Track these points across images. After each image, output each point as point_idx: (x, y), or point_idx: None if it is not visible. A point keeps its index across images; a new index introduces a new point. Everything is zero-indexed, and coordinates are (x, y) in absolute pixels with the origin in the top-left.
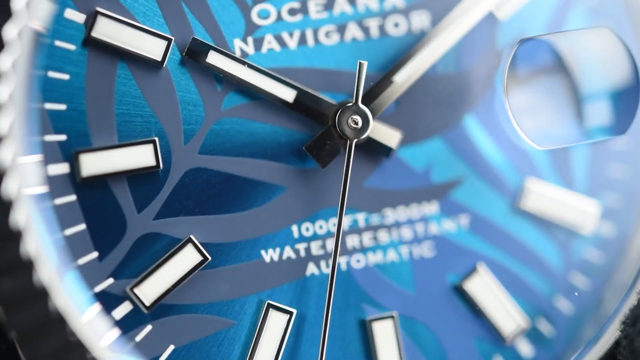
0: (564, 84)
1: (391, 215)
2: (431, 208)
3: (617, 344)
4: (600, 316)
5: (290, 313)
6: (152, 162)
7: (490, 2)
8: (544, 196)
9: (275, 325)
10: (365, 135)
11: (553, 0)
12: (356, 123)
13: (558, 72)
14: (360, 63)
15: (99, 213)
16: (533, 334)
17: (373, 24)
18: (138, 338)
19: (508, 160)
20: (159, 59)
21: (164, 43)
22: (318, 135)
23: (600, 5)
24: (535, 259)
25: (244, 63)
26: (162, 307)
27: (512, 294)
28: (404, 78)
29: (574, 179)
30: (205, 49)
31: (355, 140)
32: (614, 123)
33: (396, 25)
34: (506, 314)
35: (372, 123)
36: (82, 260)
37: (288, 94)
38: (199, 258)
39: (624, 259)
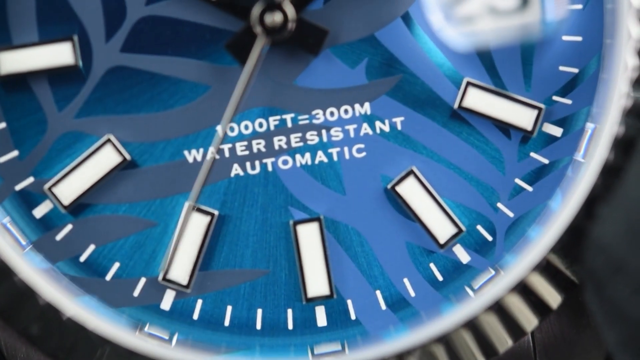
0: None
1: (321, 115)
2: (364, 108)
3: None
4: (544, 219)
5: (212, 214)
6: (71, 61)
7: None
8: (484, 96)
9: (197, 226)
10: (286, 32)
11: None
12: (275, 19)
13: None
14: None
15: (19, 111)
16: (471, 240)
17: None
18: (58, 237)
19: (446, 59)
20: None
21: None
22: (238, 32)
23: None
24: (475, 161)
25: None
26: (82, 207)
27: (449, 198)
28: None
29: (517, 78)
30: None
31: (273, 36)
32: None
33: None
34: (441, 218)
35: (295, 19)
36: (3, 159)
37: None
38: (119, 158)
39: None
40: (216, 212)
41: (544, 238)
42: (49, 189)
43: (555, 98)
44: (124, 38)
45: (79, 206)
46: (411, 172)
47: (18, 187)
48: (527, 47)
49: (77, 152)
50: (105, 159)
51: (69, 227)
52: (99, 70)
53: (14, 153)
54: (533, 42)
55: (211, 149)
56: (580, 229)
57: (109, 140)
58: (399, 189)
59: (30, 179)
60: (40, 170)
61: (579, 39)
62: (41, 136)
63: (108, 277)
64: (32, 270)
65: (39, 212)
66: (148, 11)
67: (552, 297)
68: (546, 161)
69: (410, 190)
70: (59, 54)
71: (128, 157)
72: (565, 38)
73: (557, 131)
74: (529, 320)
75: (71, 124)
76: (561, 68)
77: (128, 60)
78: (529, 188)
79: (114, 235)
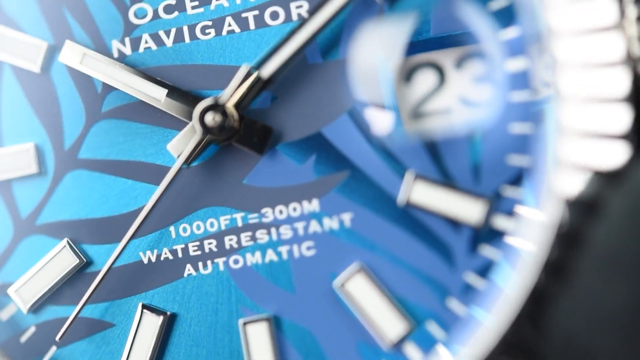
0: None
1: (270, 214)
2: (312, 206)
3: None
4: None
5: (164, 314)
6: (32, 168)
7: None
8: (432, 190)
9: (150, 326)
10: (229, 132)
11: None
12: (215, 119)
13: None
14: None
15: None
16: (422, 337)
17: (250, 16)
18: (23, 339)
19: (393, 154)
20: (38, 63)
21: (42, 48)
22: (181, 133)
23: None
24: (424, 256)
25: (116, 64)
26: (43, 309)
27: (399, 295)
28: (269, 71)
29: (464, 170)
30: (79, 52)
31: (216, 135)
32: None
33: (274, 15)
34: (391, 316)
35: (238, 119)
36: None
37: (159, 93)
38: (77, 260)
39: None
40: (168, 312)
41: (496, 330)
42: (12, 292)
43: (503, 190)
44: (81, 143)
45: (41, 308)
46: (360, 270)
47: None
48: (475, 139)
49: (39, 255)
50: (63, 261)
51: (32, 329)
52: (59, 175)
53: None
54: (481, 133)
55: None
56: (534, 320)
57: (67, 244)
58: (348, 286)
59: None
60: (4, 274)
61: (528, 129)
62: (6, 241)
63: None
64: None
65: (5, 314)
66: (104, 116)
67: None
68: (496, 255)
69: (360, 288)
70: (22, 161)
71: (85, 259)
72: (513, 128)
73: (506, 224)
74: None
75: (34, 229)
76: (510, 159)
77: (85, 164)
78: (480, 282)
79: (74, 336)
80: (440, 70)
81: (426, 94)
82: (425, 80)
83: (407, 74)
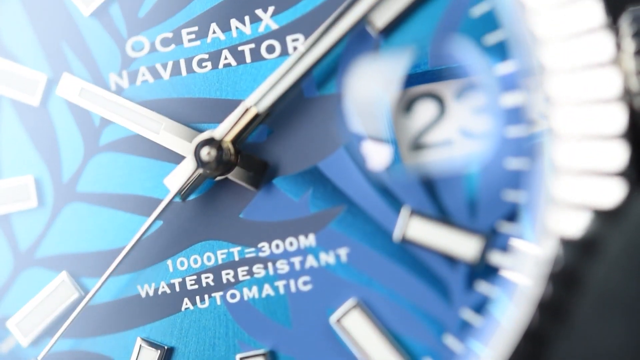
0: None
1: (267, 248)
2: (308, 240)
3: None
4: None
5: (162, 348)
6: (31, 201)
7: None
8: (428, 226)
9: None
10: (226, 166)
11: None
12: (210, 153)
13: None
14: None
15: None
16: None
17: (246, 49)
18: None
19: (389, 189)
20: (37, 97)
21: (40, 81)
22: (177, 168)
23: None
24: (420, 292)
25: (113, 98)
26: (42, 342)
27: (395, 330)
28: (266, 105)
29: (460, 206)
30: (77, 85)
31: (212, 170)
32: None
33: (270, 49)
34: (388, 352)
35: (234, 154)
36: None
37: (156, 127)
38: (75, 293)
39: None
40: (165, 347)
41: None
42: (11, 324)
43: (499, 226)
44: (79, 176)
45: (41, 341)
46: (356, 305)
47: None
48: (471, 174)
49: (38, 288)
50: (62, 295)
51: None
52: (58, 208)
53: None
54: (477, 169)
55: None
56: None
57: (66, 277)
58: (344, 322)
59: None
60: (4, 307)
61: (524, 165)
62: (6, 273)
63: None
64: None
65: (5, 347)
66: (102, 149)
67: None
68: (492, 291)
69: (356, 324)
70: (20, 194)
71: (83, 292)
72: (509, 163)
73: (502, 260)
74: None
75: (33, 261)
76: (506, 194)
77: (84, 197)
78: (476, 319)
79: None
80: (440, 101)
81: (426, 124)
82: (425, 110)
83: (407, 105)
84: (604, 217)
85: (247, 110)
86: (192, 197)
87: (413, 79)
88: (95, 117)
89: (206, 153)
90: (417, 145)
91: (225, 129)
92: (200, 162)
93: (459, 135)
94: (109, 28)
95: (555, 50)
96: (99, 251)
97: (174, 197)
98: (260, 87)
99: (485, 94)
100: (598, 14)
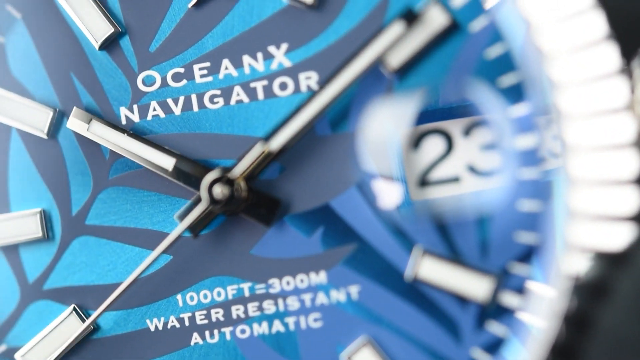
0: None
1: (278, 284)
2: (319, 277)
3: None
4: None
5: None
6: (39, 233)
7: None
8: (439, 266)
9: None
10: (237, 204)
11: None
12: (223, 192)
13: None
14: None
15: None
16: None
17: (259, 86)
18: None
19: (401, 228)
20: (46, 129)
21: (49, 114)
22: (189, 204)
23: None
24: (430, 331)
25: (124, 132)
26: None
27: None
28: (279, 143)
29: (472, 246)
30: (87, 119)
31: (224, 207)
32: None
33: (283, 86)
34: None
35: (246, 191)
36: None
37: (167, 162)
38: (83, 326)
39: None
40: None
41: None
42: (21, 357)
43: (511, 267)
44: (88, 209)
45: None
46: (367, 343)
47: None
48: (483, 214)
49: (46, 320)
50: (71, 327)
51: None
52: (66, 241)
53: None
54: (489, 207)
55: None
56: None
57: (74, 310)
58: (354, 359)
59: (3, 347)
60: (11, 339)
61: (536, 206)
62: (13, 305)
63: None
64: None
65: None
66: (111, 183)
67: None
68: (503, 331)
69: None
70: (28, 226)
71: (92, 326)
72: (522, 205)
73: (513, 300)
74: None
75: (40, 294)
76: (518, 236)
77: (93, 230)
78: (486, 359)
79: None
80: (448, 137)
81: (433, 160)
82: (432, 147)
83: (415, 141)
84: (614, 261)
85: (264, 148)
86: (203, 232)
87: (424, 116)
88: (105, 151)
89: (219, 191)
90: (425, 182)
91: (241, 170)
92: (212, 200)
93: (466, 172)
94: (120, 62)
95: (571, 94)
96: (107, 284)
97: (183, 232)
98: (274, 125)
99: (496, 133)
100: (614, 59)
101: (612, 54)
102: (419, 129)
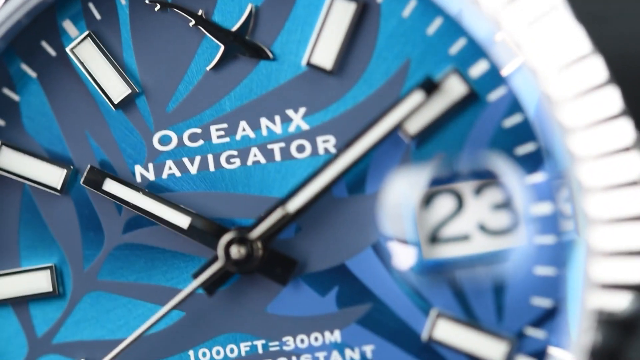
0: None
1: (292, 342)
2: (334, 336)
3: None
4: None
5: None
6: (49, 288)
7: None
8: (455, 328)
9: None
10: (254, 263)
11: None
12: (240, 252)
13: None
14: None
15: (0, 334)
16: None
17: (276, 148)
18: None
19: (417, 289)
20: (58, 187)
21: (63, 171)
22: (206, 263)
23: None
24: None
25: (139, 190)
26: None
27: None
28: (296, 205)
29: (488, 309)
30: (102, 177)
31: (240, 266)
32: None
33: (301, 148)
34: None
35: (262, 252)
36: None
37: (183, 221)
38: None
39: None
40: None
41: None
42: None
43: (527, 331)
44: (101, 265)
45: None
46: None
47: None
48: (499, 277)
49: None
50: None
51: None
52: (77, 296)
53: None
54: (505, 272)
55: None
56: None
57: None
58: None
59: None
60: None
61: (552, 271)
62: (21, 359)
63: None
64: None
65: None
66: (125, 239)
67: None
68: None
69: None
70: (39, 282)
71: None
72: (538, 270)
73: None
74: None
75: (49, 348)
76: (534, 300)
77: (104, 286)
78: None
79: None
80: (458, 196)
81: (444, 218)
82: (443, 205)
83: (426, 200)
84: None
85: (282, 210)
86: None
87: (438, 179)
88: (118, 207)
89: (236, 251)
90: (435, 239)
91: (260, 232)
92: (229, 260)
93: (477, 230)
94: (136, 121)
95: (589, 166)
96: (118, 339)
97: (196, 290)
98: (292, 188)
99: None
100: (630, 133)
101: (628, 128)
102: (431, 190)
